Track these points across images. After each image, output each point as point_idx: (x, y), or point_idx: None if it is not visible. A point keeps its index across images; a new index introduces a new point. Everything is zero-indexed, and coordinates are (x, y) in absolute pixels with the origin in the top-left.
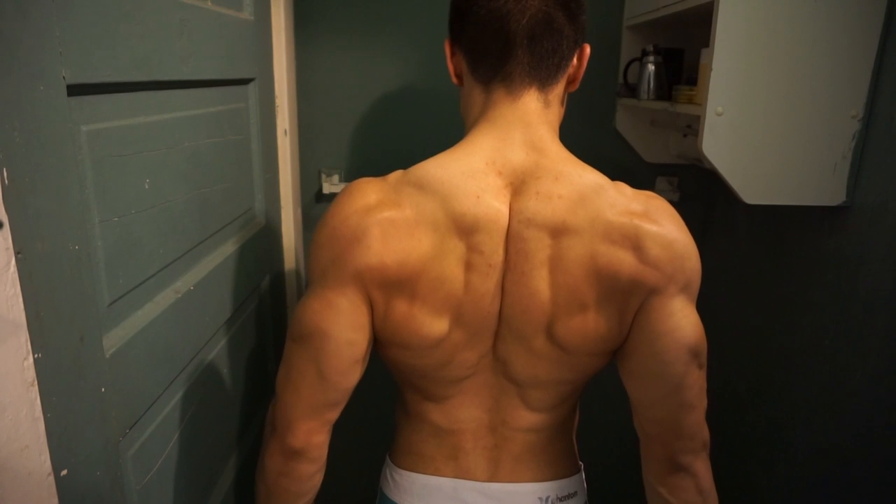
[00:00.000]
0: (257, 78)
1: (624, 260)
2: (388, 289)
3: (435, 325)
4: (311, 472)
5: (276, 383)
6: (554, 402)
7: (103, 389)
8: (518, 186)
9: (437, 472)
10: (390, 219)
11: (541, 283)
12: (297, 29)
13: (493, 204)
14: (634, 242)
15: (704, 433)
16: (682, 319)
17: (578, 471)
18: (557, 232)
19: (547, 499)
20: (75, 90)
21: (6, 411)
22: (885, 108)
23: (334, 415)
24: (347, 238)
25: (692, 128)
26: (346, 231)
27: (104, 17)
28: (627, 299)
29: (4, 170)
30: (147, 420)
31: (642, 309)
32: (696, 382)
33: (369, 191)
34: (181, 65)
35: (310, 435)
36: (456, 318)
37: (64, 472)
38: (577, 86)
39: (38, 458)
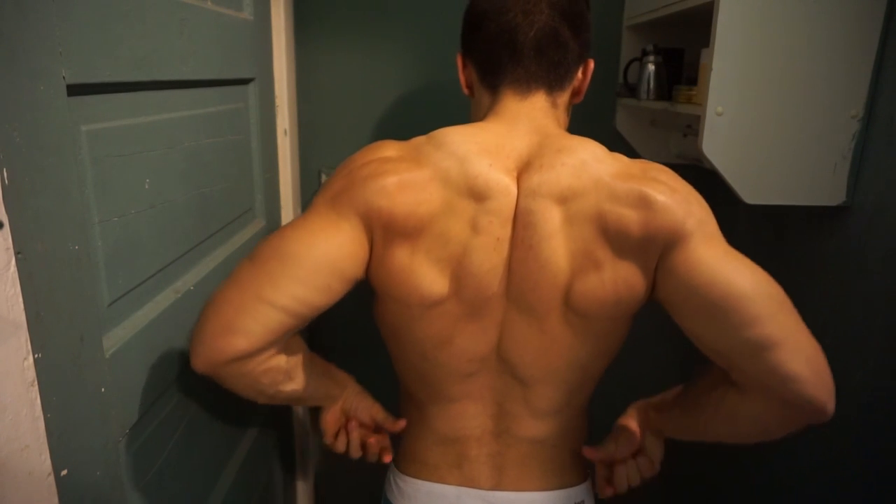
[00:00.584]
0: (257, 78)
1: (632, 215)
2: (391, 235)
3: (433, 281)
4: (243, 385)
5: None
6: (561, 401)
7: (103, 389)
8: (524, 168)
9: (441, 480)
10: (407, 170)
11: (552, 254)
12: (297, 29)
13: (502, 178)
14: (639, 198)
15: (809, 365)
16: (715, 264)
17: (586, 479)
18: (564, 198)
19: None
20: (75, 90)
21: (6, 411)
22: (885, 108)
23: (246, 344)
24: (363, 177)
25: (692, 128)
26: (364, 172)
27: (104, 17)
28: (643, 254)
29: (4, 170)
30: (147, 420)
31: (669, 265)
32: (771, 316)
33: (390, 147)
34: (181, 65)
35: (214, 360)
36: (455, 283)
37: (64, 472)
38: (581, 98)
39: (38, 458)
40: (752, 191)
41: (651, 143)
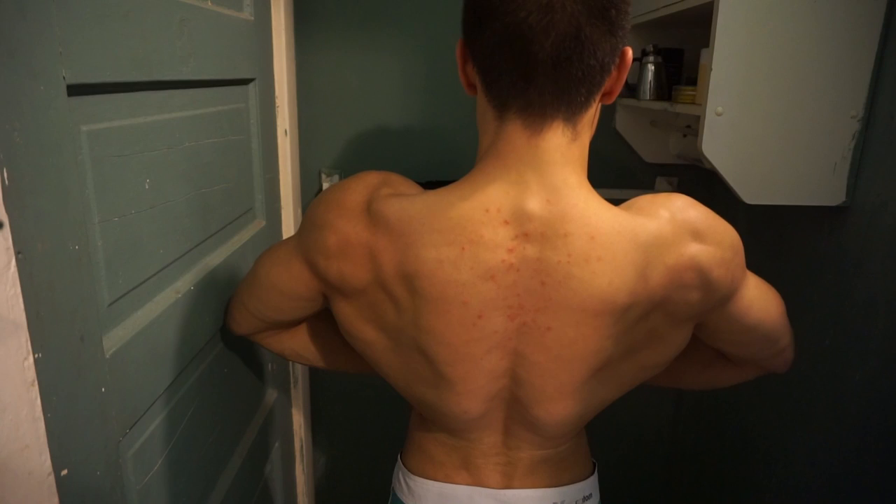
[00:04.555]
0: (257, 78)
1: (693, 296)
2: (330, 288)
3: (376, 336)
4: (264, 344)
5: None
6: (572, 431)
7: (103, 389)
8: (538, 240)
9: (449, 480)
10: (355, 234)
11: (582, 344)
12: (297, 29)
13: (485, 258)
14: (699, 277)
15: (790, 339)
16: (760, 304)
17: (593, 472)
18: (606, 299)
19: (562, 503)
20: (75, 90)
21: (6, 411)
22: (885, 108)
23: (239, 329)
24: (317, 227)
25: (692, 128)
26: (321, 220)
27: (104, 17)
28: (698, 317)
29: (4, 170)
30: (147, 420)
31: (717, 314)
32: (785, 329)
33: (360, 190)
34: (181, 65)
35: (233, 332)
36: (396, 337)
37: (64, 472)
38: (614, 98)
39: (38, 458)
40: (752, 191)
41: (651, 143)
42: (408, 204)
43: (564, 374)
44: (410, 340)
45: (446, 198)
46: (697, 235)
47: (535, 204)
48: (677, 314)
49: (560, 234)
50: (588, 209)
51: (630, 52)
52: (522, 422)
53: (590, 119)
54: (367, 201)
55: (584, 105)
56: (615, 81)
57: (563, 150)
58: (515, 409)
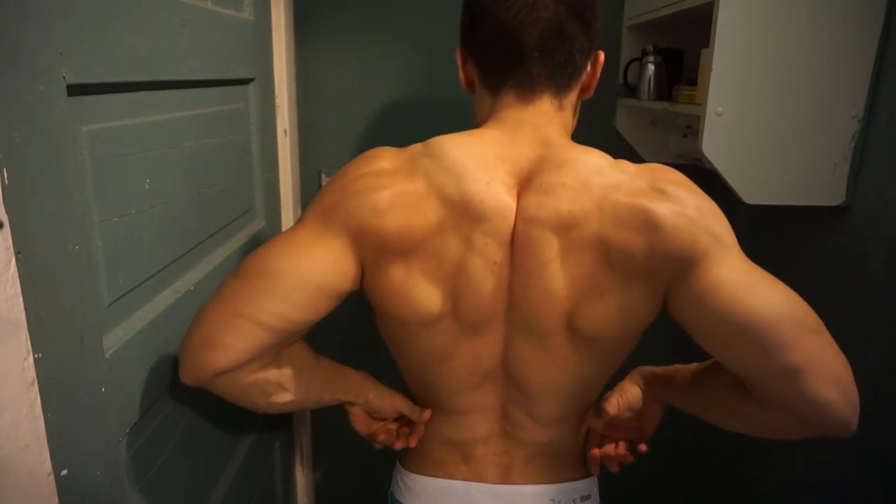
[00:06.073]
0: (257, 78)
1: (636, 240)
2: (384, 253)
3: (429, 300)
4: (235, 397)
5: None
6: (565, 410)
7: (103, 389)
8: (525, 185)
9: (448, 476)
10: (401, 185)
11: (552, 282)
12: (297, 29)
13: (501, 196)
14: (644, 221)
15: (809, 362)
16: (738, 288)
17: (592, 473)
18: (565, 224)
19: (559, 501)
20: (75, 90)
21: (6, 411)
22: (885, 108)
23: (225, 360)
24: (355, 192)
25: (692, 128)
26: (357, 186)
27: (104, 17)
28: (651, 280)
29: (4, 170)
30: (147, 420)
31: (683, 289)
32: (796, 341)
33: (385, 157)
34: (181, 65)
35: (197, 375)
36: (452, 302)
37: (64, 472)
38: (591, 94)
39: (38, 458)
40: (752, 191)
41: (651, 143)
42: (445, 143)
43: (545, 325)
44: (477, 286)
45: (468, 140)
46: (659, 189)
47: (527, 153)
48: (621, 262)
49: (538, 173)
50: (563, 148)
51: (602, 55)
52: (517, 400)
53: (571, 103)
54: (407, 158)
55: (568, 86)
56: (591, 78)
57: (551, 115)
58: (509, 384)
